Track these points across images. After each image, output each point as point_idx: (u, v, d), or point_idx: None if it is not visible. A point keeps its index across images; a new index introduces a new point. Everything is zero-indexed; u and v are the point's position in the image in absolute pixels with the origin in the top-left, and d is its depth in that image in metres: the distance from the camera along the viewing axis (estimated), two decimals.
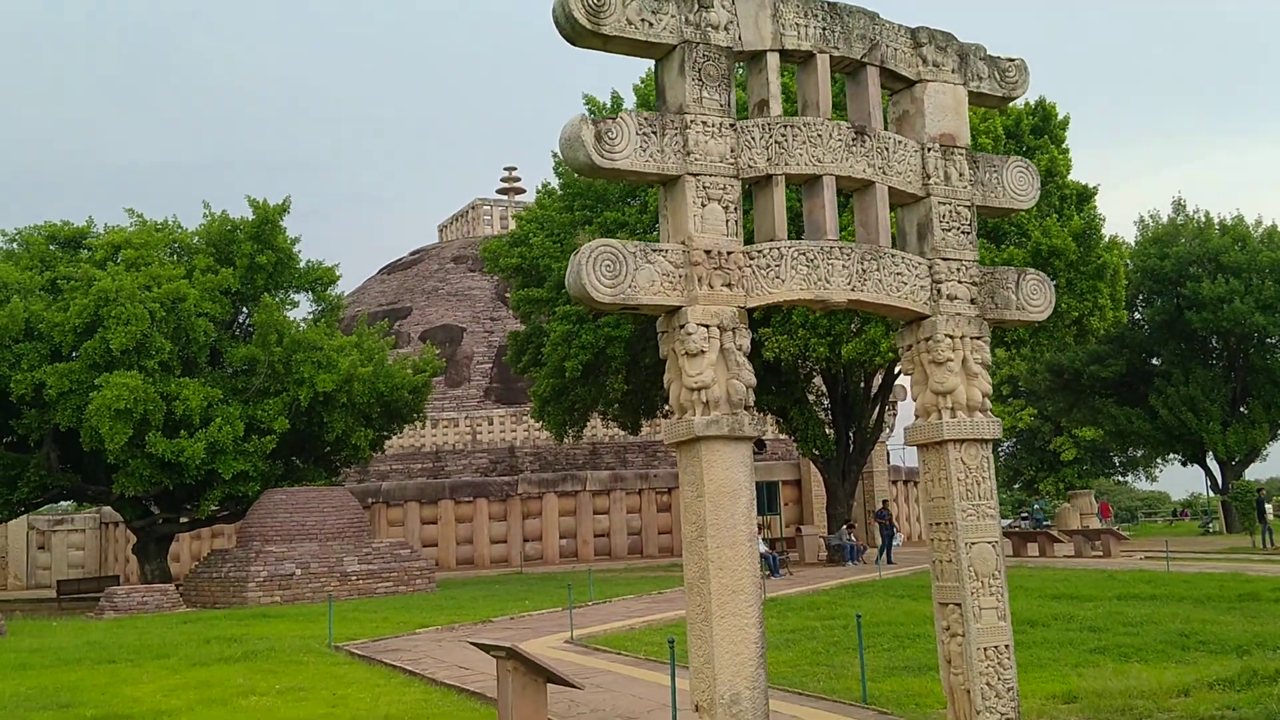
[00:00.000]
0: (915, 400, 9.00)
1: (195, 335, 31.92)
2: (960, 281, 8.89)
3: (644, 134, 7.86)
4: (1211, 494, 53.77)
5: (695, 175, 7.97)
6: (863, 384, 35.73)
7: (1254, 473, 51.02)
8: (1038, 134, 30.79)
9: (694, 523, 7.84)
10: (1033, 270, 9.41)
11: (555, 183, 34.33)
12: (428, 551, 45.22)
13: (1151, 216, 48.09)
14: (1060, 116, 31.63)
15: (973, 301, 8.91)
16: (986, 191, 9.19)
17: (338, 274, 36.00)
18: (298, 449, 35.33)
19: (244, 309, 35.24)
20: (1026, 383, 54.00)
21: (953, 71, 9.15)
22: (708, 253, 7.92)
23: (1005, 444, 61.03)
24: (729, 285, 7.97)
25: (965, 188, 9.04)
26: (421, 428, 50.11)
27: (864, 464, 37.67)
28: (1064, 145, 31.44)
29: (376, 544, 30.89)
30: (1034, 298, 9.24)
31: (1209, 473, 50.50)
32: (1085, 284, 29.83)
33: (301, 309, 38.92)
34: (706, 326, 7.85)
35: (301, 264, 35.41)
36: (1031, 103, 31.15)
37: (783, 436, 46.50)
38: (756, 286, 8.13)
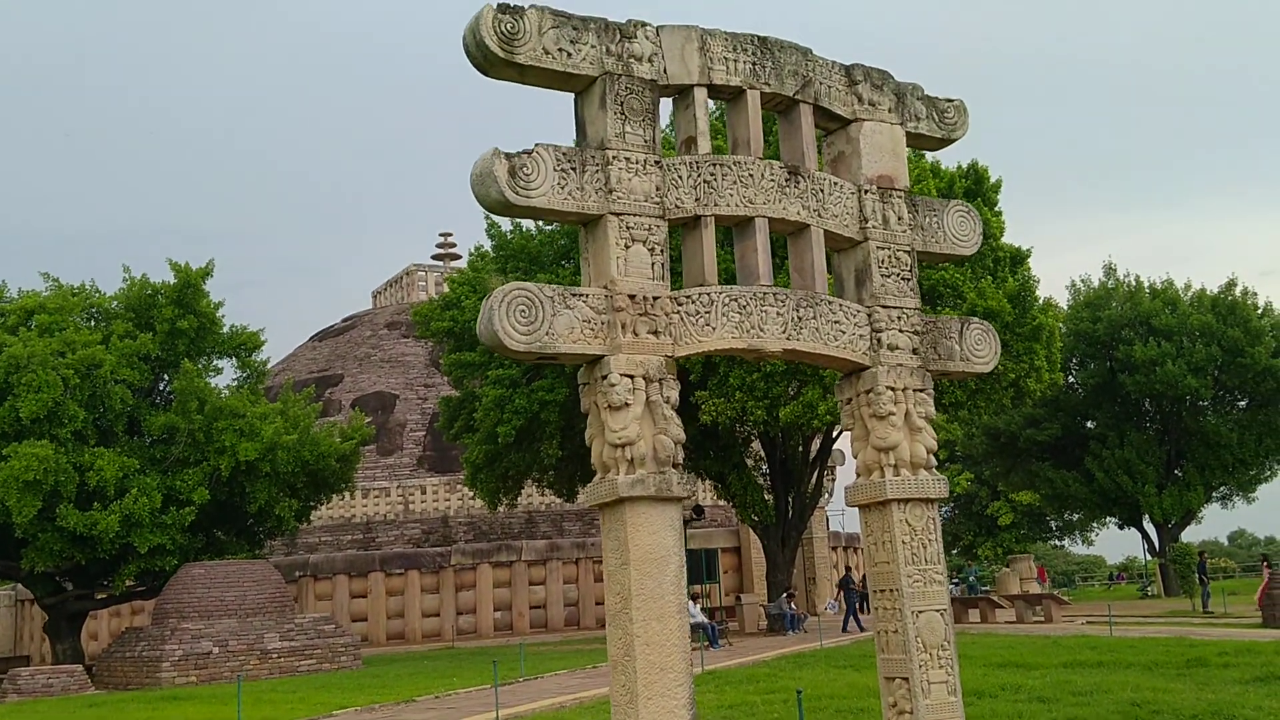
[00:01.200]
0: (856, 458, 8.43)
1: (111, 403, 30.68)
2: (902, 330, 8.37)
3: (562, 170, 7.29)
4: (1149, 557, 53.89)
5: (618, 215, 7.40)
6: (801, 448, 35.27)
7: (1190, 535, 51.20)
8: (971, 196, 30.83)
9: (618, 593, 7.15)
10: (977, 319, 8.95)
11: (488, 244, 33.76)
12: (357, 626, 43.73)
13: (1083, 281, 48.62)
14: (993, 179, 31.75)
15: (915, 351, 8.39)
16: (927, 236, 8.72)
17: (262, 339, 34.97)
18: (219, 521, 34.00)
19: (165, 376, 34.05)
20: (964, 447, 53.98)
21: (889, 111, 8.72)
22: (632, 298, 7.34)
23: (944, 509, 60.90)
24: (655, 333, 7.37)
25: (905, 232, 8.56)
26: (351, 498, 48.78)
27: (803, 530, 37.09)
28: (997, 208, 31.54)
29: (299, 619, 29.61)
30: (979, 348, 8.76)
31: (1145, 536, 50.62)
32: (1021, 346, 29.73)
33: (226, 375, 37.69)
34: (631, 377, 7.24)
35: (225, 329, 34.32)
36: (964, 165, 31.26)
37: (721, 503, 45.86)
38: (685, 334, 7.55)
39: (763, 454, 37.46)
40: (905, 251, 8.54)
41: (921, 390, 8.34)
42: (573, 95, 7.80)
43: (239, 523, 34.29)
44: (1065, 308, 45.82)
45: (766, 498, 35.17)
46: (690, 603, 31.26)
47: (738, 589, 44.67)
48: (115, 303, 33.43)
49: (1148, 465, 44.96)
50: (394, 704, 18.31)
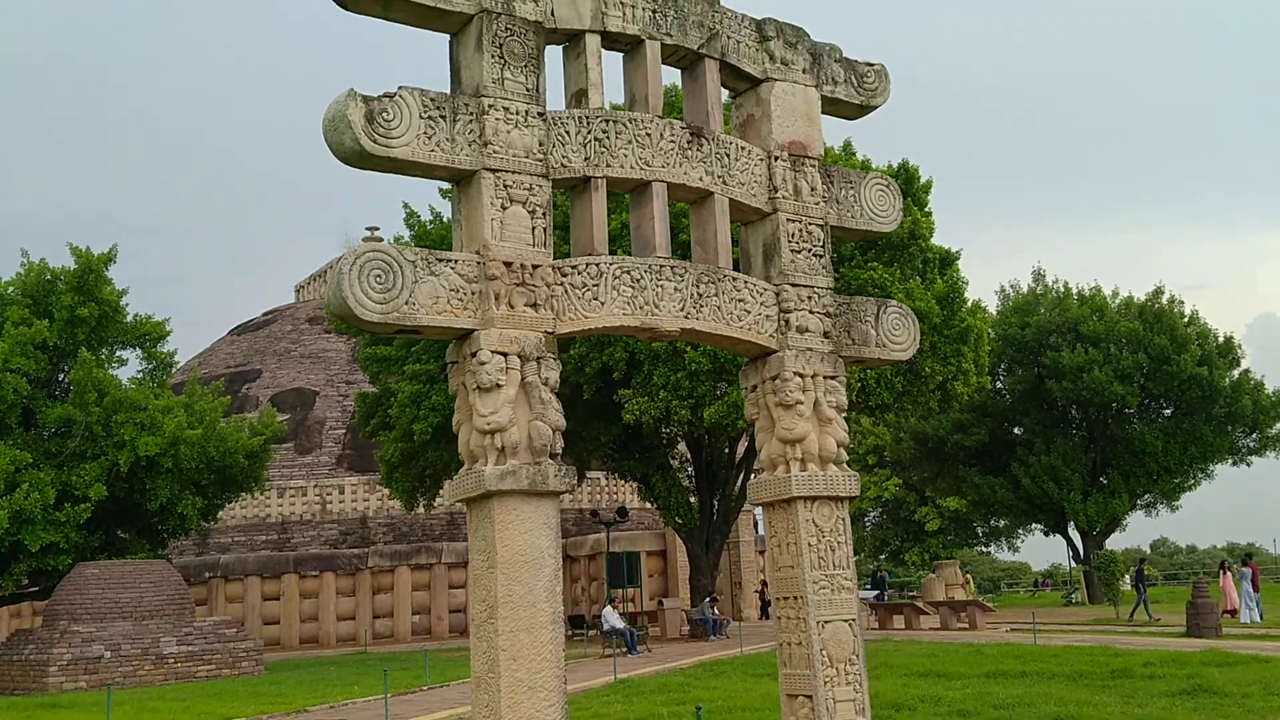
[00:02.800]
0: (760, 451, 7.63)
1: (3, 393, 29.11)
2: (812, 312, 7.59)
3: (430, 118, 6.40)
4: (1073, 564, 54.05)
5: (494, 171, 6.53)
6: (727, 449, 34.60)
7: (1114, 542, 51.43)
8: (901, 195, 30.34)
9: (483, 600, 6.27)
10: (894, 301, 8.20)
11: (407, 235, 32.64)
12: (269, 629, 42.29)
13: (1012, 286, 48.54)
14: (923, 180, 31.32)
15: (826, 335, 7.62)
16: (842, 210, 7.95)
17: (168, 329, 33.46)
18: (119, 519, 32.48)
19: (64, 366, 32.45)
20: (892, 452, 53.74)
21: (804, 71, 7.94)
22: (508, 265, 6.46)
23: (871, 514, 60.68)
24: (534, 306, 6.51)
25: (818, 204, 7.78)
26: (266, 497, 47.24)
27: (728, 533, 36.41)
28: (927, 209, 31.10)
29: (199, 623, 28.28)
30: (896, 333, 8.01)
31: (1070, 543, 50.69)
32: (949, 348, 29.31)
33: (130, 367, 36.14)
34: (504, 355, 6.36)
35: (129, 318, 32.81)
36: (894, 164, 30.78)
37: (647, 505, 45.09)
38: (570, 309, 6.69)
39: (688, 455, 36.75)
40: (818, 225, 7.76)
41: (833, 378, 7.56)
42: (448, 37, 6.92)
43: (140, 521, 32.79)
44: (994, 313, 45.69)
45: (691, 500, 34.44)
46: (609, 608, 30.43)
47: (663, 593, 43.90)
48: (11, 288, 31.79)
49: (1073, 472, 44.94)
50: (284, 714, 17.23)
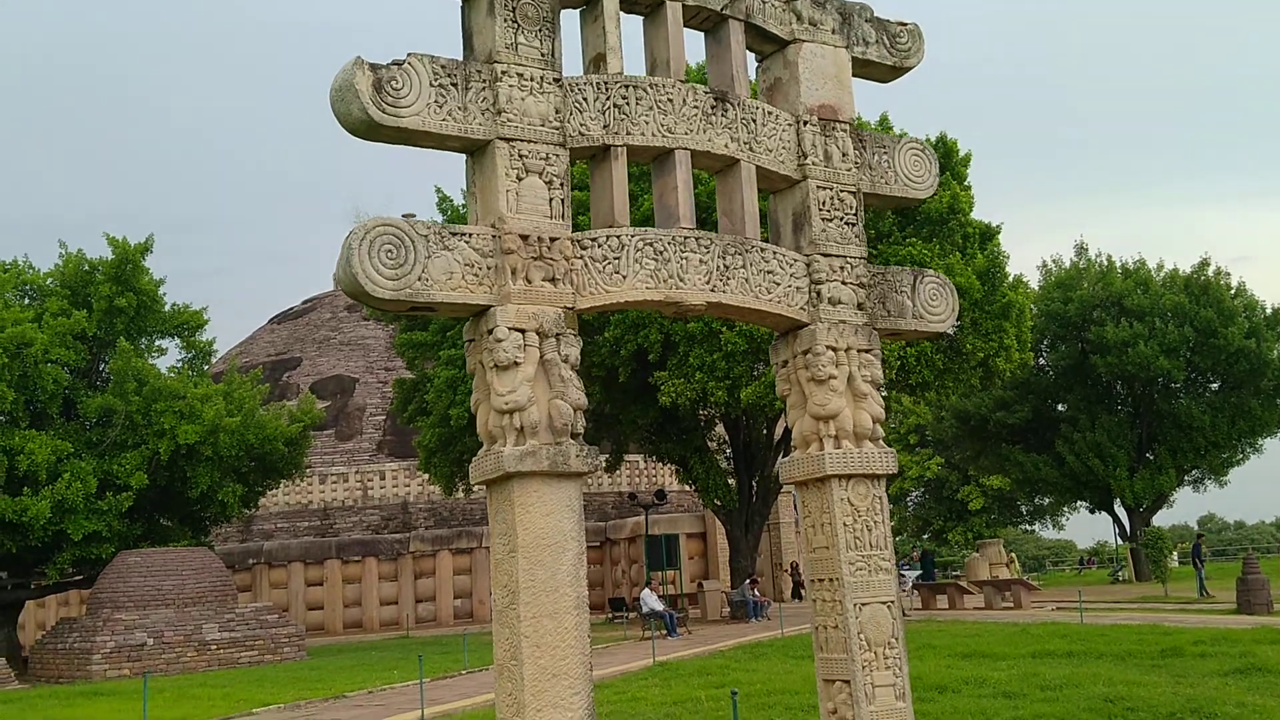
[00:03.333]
0: (792, 428, 7.35)
1: (44, 383, 29.29)
2: (845, 283, 7.29)
3: (441, 86, 6.16)
4: (1120, 541, 53.27)
5: (509, 141, 6.28)
6: (765, 430, 34.26)
7: (1161, 519, 50.62)
8: (940, 169, 29.79)
9: (505, 586, 6.05)
10: (931, 271, 7.87)
11: (440, 220, 32.47)
12: (313, 615, 42.52)
13: (1054, 261, 47.68)
14: (962, 153, 30.74)
15: (859, 307, 7.32)
16: (875, 176, 7.64)
17: (205, 317, 33.55)
18: (160, 507, 32.67)
19: (103, 356, 32.64)
20: (934, 431, 53.15)
21: (833, 32, 7.62)
22: (525, 238, 6.22)
23: (913, 494, 60.11)
24: (553, 280, 6.27)
25: (850, 170, 7.48)
26: (308, 483, 47.50)
27: (768, 515, 36.11)
28: (966, 182, 30.52)
29: (241, 609, 28.37)
30: (934, 303, 7.69)
31: (1116, 520, 49.93)
32: (990, 324, 28.76)
33: (170, 356, 36.42)
34: (522, 331, 6.13)
35: (167, 308, 32.93)
36: (932, 138, 30.21)
37: (686, 488, 44.88)
38: (590, 284, 6.44)
39: (725, 437, 36.45)
40: (850, 192, 7.45)
41: (867, 351, 7.26)
42: (460, 4, 6.67)
43: (182, 509, 32.95)
44: (1036, 289, 44.96)
45: (730, 482, 34.16)
46: (647, 590, 30.25)
47: (703, 575, 43.71)
48: (50, 279, 31.97)
49: (1119, 448, 44.18)
50: (323, 700, 17.17)
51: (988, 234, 30.32)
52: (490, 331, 6.10)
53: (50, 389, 29.54)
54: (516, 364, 6.08)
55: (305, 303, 64.87)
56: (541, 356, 6.17)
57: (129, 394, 29.82)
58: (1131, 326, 42.39)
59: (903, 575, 33.26)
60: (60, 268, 32.01)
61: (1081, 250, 47.47)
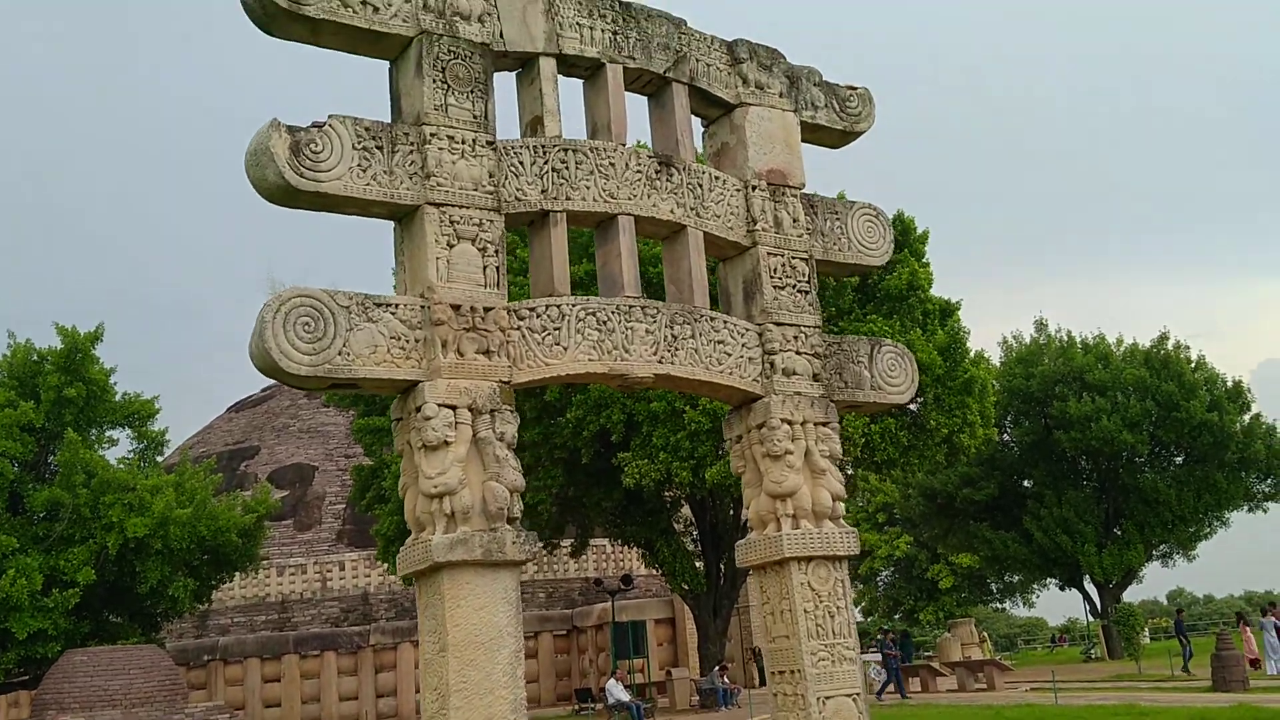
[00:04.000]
0: (748, 508, 6.93)
1: None
2: (799, 353, 6.93)
3: (365, 149, 5.80)
4: (1091, 618, 52.80)
5: (439, 206, 5.92)
6: (732, 511, 33.69)
7: (1131, 594, 50.28)
8: (897, 247, 29.82)
9: (435, 688, 5.54)
10: (889, 341, 7.53)
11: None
12: (271, 712, 41.10)
13: (1014, 337, 47.81)
14: (919, 230, 30.81)
15: (815, 378, 6.95)
16: (828, 243, 7.33)
17: (157, 406, 32.76)
18: (110, 603, 31.54)
19: (52, 448, 31.76)
20: (901, 509, 52.76)
21: (780, 95, 7.36)
22: (456, 308, 5.82)
23: (883, 573, 59.50)
24: (487, 353, 5.86)
25: (801, 236, 7.16)
26: (265, 575, 46.30)
27: (736, 598, 35.41)
28: (925, 259, 30.54)
29: (192, 709, 27.23)
30: (893, 374, 7.33)
31: (1087, 596, 49.50)
32: (953, 400, 28.55)
33: (122, 447, 35.54)
34: (453, 408, 5.70)
35: (118, 397, 32.17)
36: (889, 214, 30.25)
37: (653, 571, 44.09)
38: (528, 356, 6.04)
39: (692, 518, 35.87)
40: (802, 259, 7.14)
41: (825, 424, 6.88)
42: (388, 64, 6.35)
43: (132, 605, 31.83)
44: (998, 365, 45.00)
45: (697, 565, 33.50)
46: (613, 680, 29.40)
47: (672, 662, 42.75)
48: None
49: (1087, 524, 43.93)
50: None
51: (948, 310, 30.27)
52: (419, 409, 5.68)
53: None
54: (447, 443, 5.64)
55: (264, 390, 63.97)
56: (474, 435, 5.74)
57: (76, 486, 28.92)
58: (1094, 401, 42.39)
59: (889, 656, 32.63)
60: (8, 358, 31.26)
61: (1041, 326, 47.68)
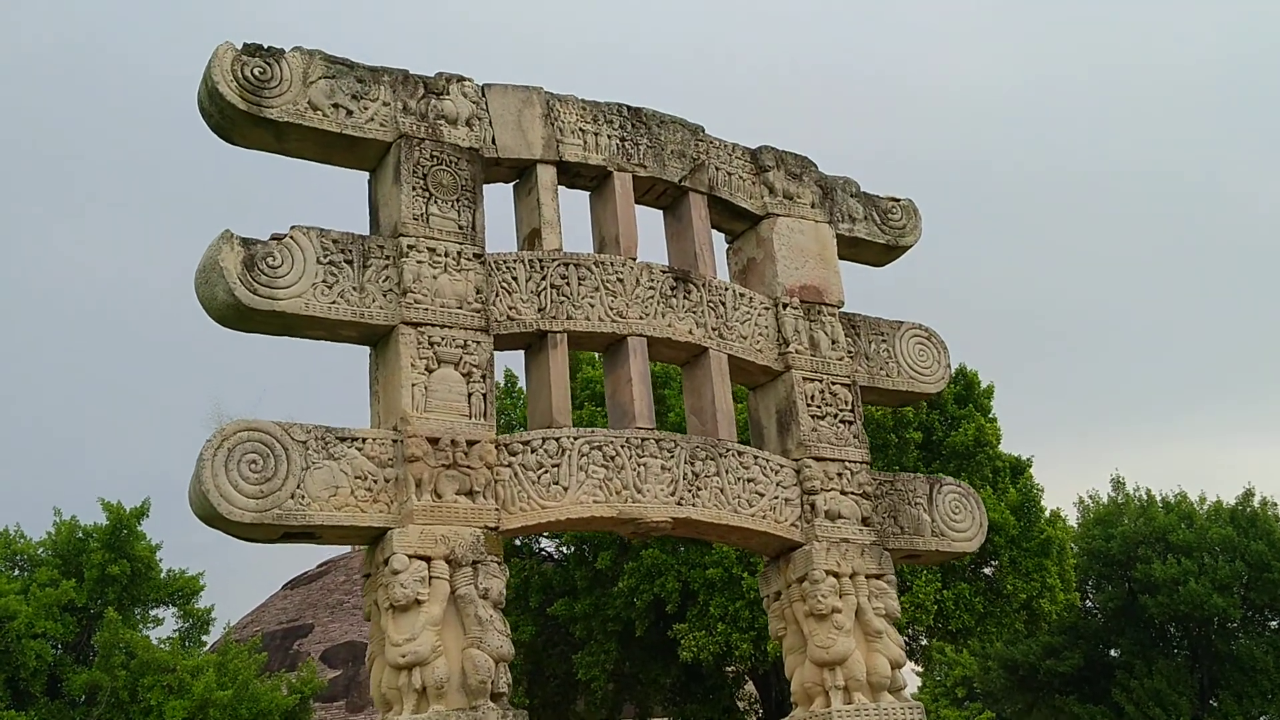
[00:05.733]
0: (791, 679, 5.86)
1: (26, 660, 27.53)
2: (844, 492, 5.96)
3: (332, 263, 5.08)
4: None
5: (416, 325, 5.14)
6: None
7: None
8: (961, 403, 28.74)
9: None
10: (950, 479, 6.53)
11: None
12: None
13: (1091, 497, 45.85)
14: (984, 385, 29.74)
15: (865, 522, 5.95)
16: (873, 367, 6.43)
17: (201, 583, 31.98)
18: None
19: (95, 627, 30.99)
20: (981, 682, 49.98)
21: (812, 206, 6.60)
22: (434, 442, 4.98)
23: None
24: (470, 494, 4.98)
25: (842, 359, 6.28)
26: None
27: None
28: (991, 414, 29.36)
29: None
30: (956, 516, 6.32)
31: None
32: (1030, 563, 26.85)
33: (167, 626, 34.69)
34: (427, 560, 4.80)
35: (163, 574, 31.49)
36: (952, 369, 29.28)
37: None
38: (520, 497, 5.15)
39: (756, 695, 33.97)
40: (844, 385, 6.23)
41: (878, 576, 5.85)
42: (367, 177, 5.69)
43: None
44: (1075, 526, 43.06)
45: None
46: None
47: None
48: (42, 549, 30.73)
49: (1180, 695, 41.00)
50: None
51: (1019, 467, 28.85)
52: (386, 561, 4.78)
53: (33, 665, 27.75)
54: (418, 602, 4.72)
55: (320, 566, 63.11)
56: (452, 592, 4.81)
57: (115, 668, 28.00)
58: (1179, 563, 40.11)
59: None
60: (53, 536, 30.85)
61: (1119, 484, 45.70)
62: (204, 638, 33.34)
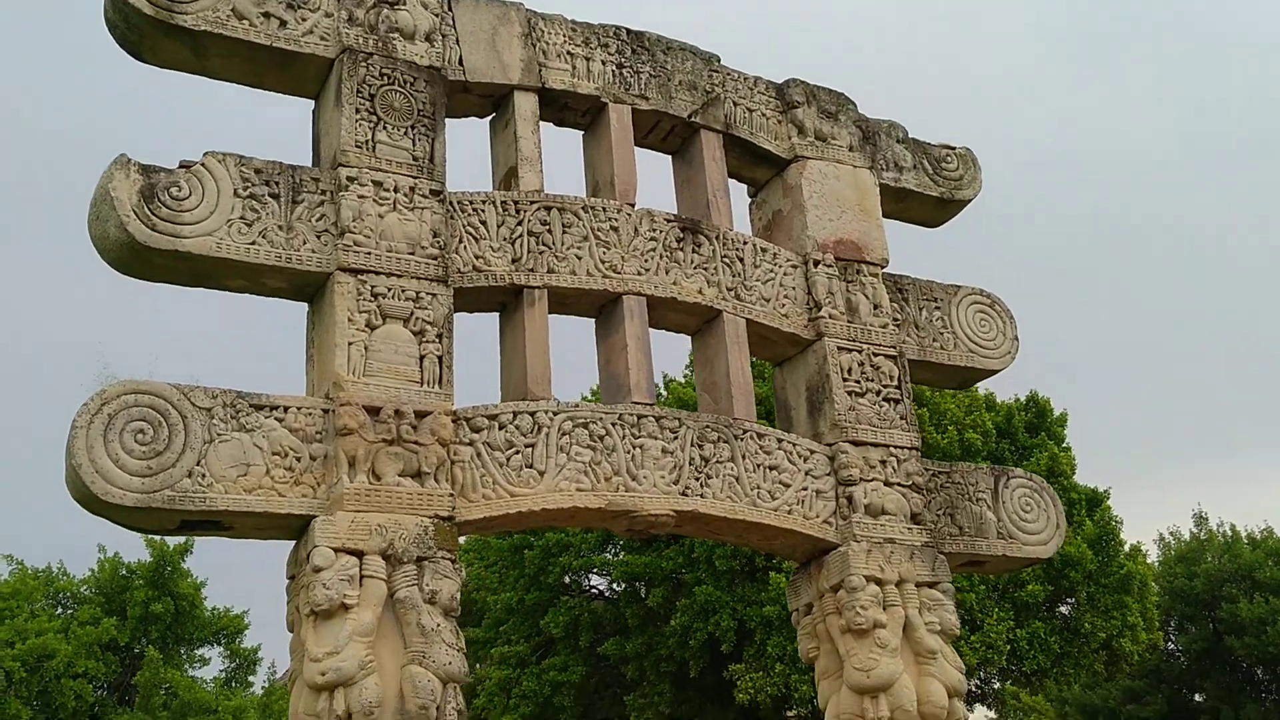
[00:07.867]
0: (825, 709, 4.79)
1: (65, 700, 26.97)
2: (889, 484, 4.90)
3: (253, 197, 4.17)
4: None
5: (355, 273, 4.21)
6: None
7: None
8: (1033, 431, 27.33)
9: None
10: (1019, 470, 5.45)
11: None
12: None
13: (1172, 534, 43.87)
14: (1056, 413, 28.29)
15: (915, 519, 4.89)
16: (924, 338, 5.38)
17: (246, 622, 31.39)
18: None
19: (137, 666, 30.43)
20: None
21: (850, 150, 5.58)
22: (374, 412, 4.03)
23: None
24: (417, 475, 4.02)
25: (885, 327, 5.24)
26: None
27: None
28: (1064, 443, 27.89)
29: None
30: (1028, 515, 5.23)
31: None
32: (1109, 600, 25.28)
33: (214, 665, 34.07)
34: (359, 555, 3.83)
35: (207, 612, 30.89)
36: (1022, 398, 27.89)
37: None
38: (483, 483, 4.18)
39: None
40: (888, 356, 5.19)
41: (932, 585, 4.77)
42: (311, 103, 4.80)
43: None
44: (1155, 564, 41.10)
45: None
46: None
47: None
48: (84, 586, 30.29)
49: None
50: None
51: (1095, 500, 27.35)
52: (308, 556, 3.82)
53: (72, 705, 27.18)
54: (345, 607, 3.76)
55: None
56: (390, 594, 3.84)
57: (156, 709, 27.34)
58: (1268, 602, 38.03)
59: None
60: (95, 574, 30.41)
61: (1201, 520, 43.71)
62: (250, 677, 32.66)
